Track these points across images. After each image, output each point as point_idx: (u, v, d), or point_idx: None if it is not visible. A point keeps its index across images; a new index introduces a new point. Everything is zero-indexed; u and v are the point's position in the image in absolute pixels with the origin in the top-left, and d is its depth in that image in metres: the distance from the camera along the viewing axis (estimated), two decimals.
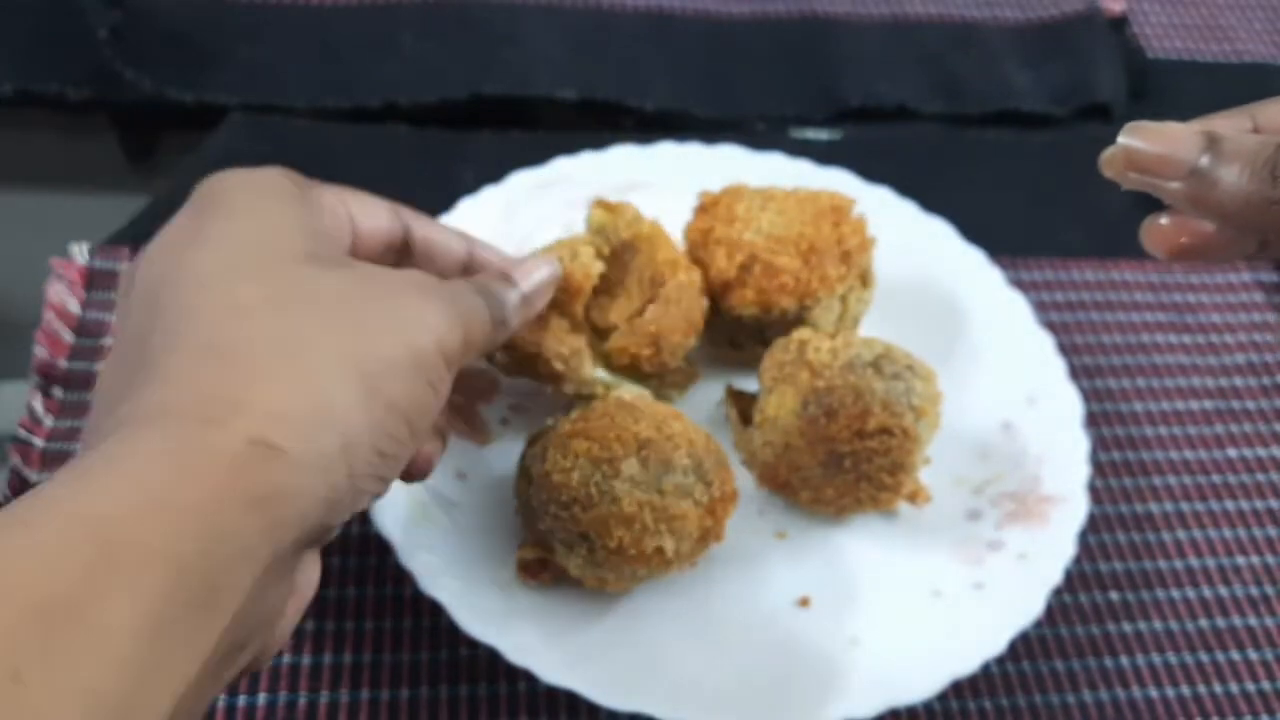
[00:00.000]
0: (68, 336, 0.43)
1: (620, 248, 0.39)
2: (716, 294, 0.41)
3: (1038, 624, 0.37)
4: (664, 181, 0.47)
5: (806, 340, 0.38)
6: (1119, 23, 0.66)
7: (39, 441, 0.40)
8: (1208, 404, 0.48)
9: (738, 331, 0.42)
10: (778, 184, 0.43)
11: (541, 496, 0.34)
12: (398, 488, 0.37)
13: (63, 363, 0.43)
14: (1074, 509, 0.38)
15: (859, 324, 0.44)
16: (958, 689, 0.37)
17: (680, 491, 0.34)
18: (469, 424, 0.41)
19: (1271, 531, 0.44)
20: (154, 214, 0.48)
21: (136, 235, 0.47)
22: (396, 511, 0.37)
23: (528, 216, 0.47)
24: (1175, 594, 0.42)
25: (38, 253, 0.45)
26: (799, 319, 0.41)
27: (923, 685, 0.34)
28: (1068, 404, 0.41)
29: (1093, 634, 0.40)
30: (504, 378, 0.41)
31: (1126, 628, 0.40)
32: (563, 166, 0.48)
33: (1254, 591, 0.42)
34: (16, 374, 0.43)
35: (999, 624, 0.36)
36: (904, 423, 0.36)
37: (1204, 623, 0.41)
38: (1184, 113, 0.60)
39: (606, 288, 0.39)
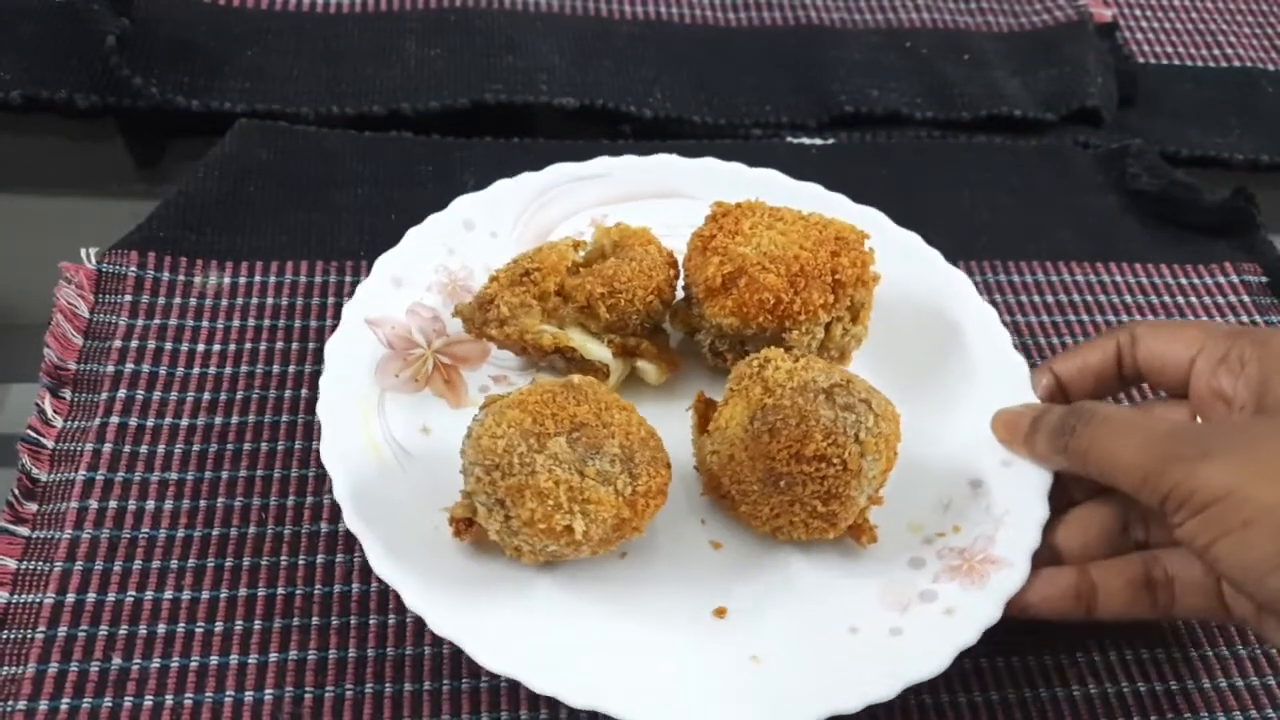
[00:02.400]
0: (76, 339, 0.44)
1: (610, 246, 0.43)
2: (701, 299, 0.42)
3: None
4: (699, 193, 0.48)
5: (771, 358, 0.38)
6: (1108, 29, 0.67)
7: (48, 442, 0.41)
8: None
9: (718, 340, 0.43)
10: (807, 209, 0.44)
11: (470, 457, 0.35)
12: (358, 426, 0.39)
13: (71, 365, 0.43)
14: (1014, 576, 0.37)
15: (846, 357, 0.44)
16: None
17: (602, 478, 0.34)
18: (449, 385, 0.43)
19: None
20: (161, 219, 0.49)
21: (144, 240, 0.47)
22: (350, 446, 0.38)
23: (562, 206, 0.48)
24: None
25: (47, 257, 0.46)
26: (778, 338, 0.41)
27: (803, 713, 0.34)
28: (1041, 474, 0.40)
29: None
30: (495, 348, 0.44)
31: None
32: (605, 163, 0.49)
33: None
34: (26, 375, 0.44)
35: (897, 671, 0.35)
36: (844, 454, 0.36)
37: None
38: (1173, 117, 0.60)
39: (588, 271, 0.42)
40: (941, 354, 0.45)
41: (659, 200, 0.49)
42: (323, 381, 0.40)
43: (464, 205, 0.47)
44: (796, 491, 0.36)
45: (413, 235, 0.45)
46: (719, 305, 0.41)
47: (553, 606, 0.36)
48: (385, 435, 0.40)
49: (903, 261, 0.46)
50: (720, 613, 0.37)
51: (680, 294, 0.44)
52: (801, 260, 0.41)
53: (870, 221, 0.47)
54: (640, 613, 0.37)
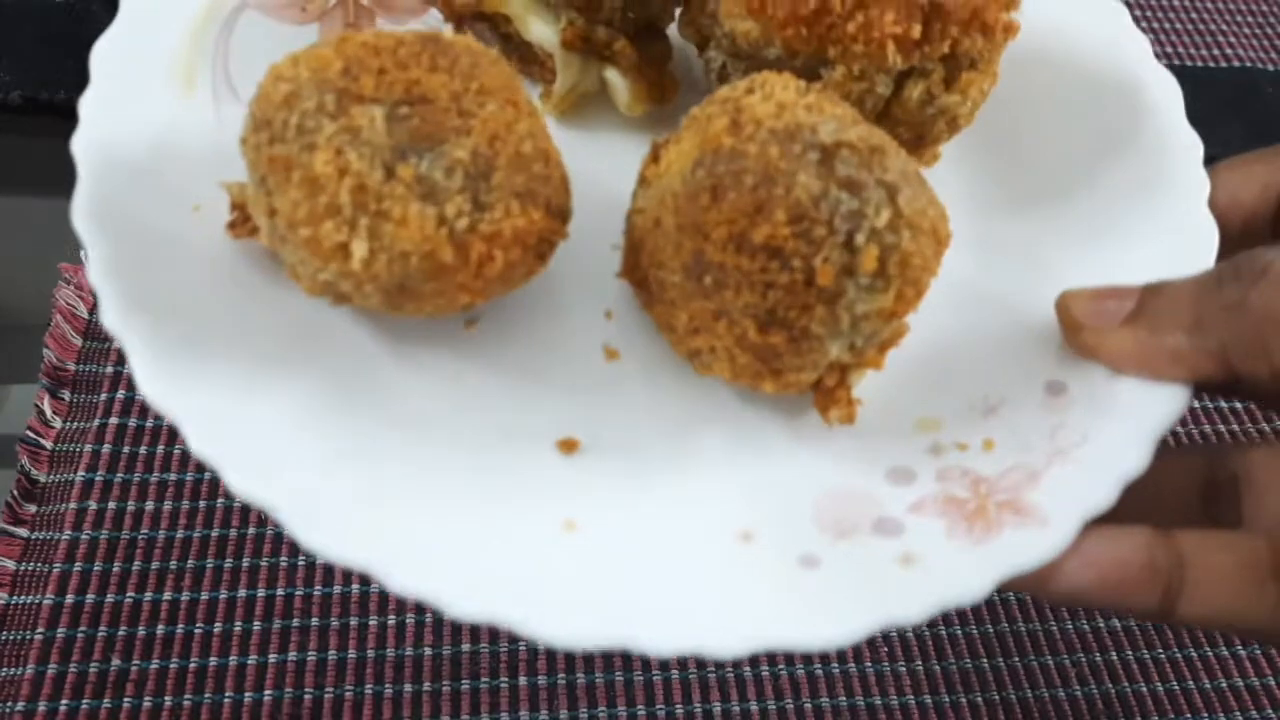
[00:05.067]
0: (76, 340, 0.44)
1: None
2: None
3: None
4: None
5: (766, 83, 0.25)
6: None
7: (47, 443, 0.41)
8: (1195, 403, 0.49)
9: (731, 61, 0.29)
10: None
11: (251, 105, 0.24)
12: (181, 21, 0.28)
13: (71, 365, 0.43)
14: (1041, 543, 0.23)
15: (925, 144, 0.29)
16: None
17: (424, 187, 0.22)
18: (351, 30, 0.29)
19: None
20: None
21: None
22: (147, 64, 0.28)
23: None
24: None
25: (46, 258, 0.46)
26: (811, 72, 0.27)
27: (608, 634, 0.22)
28: (1167, 399, 0.25)
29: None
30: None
31: (1102, 624, 0.41)
32: None
33: None
34: (26, 376, 0.44)
35: (765, 617, 0.22)
36: (815, 257, 0.22)
37: None
38: None
39: None
40: (1083, 164, 0.30)
41: None
42: None
43: None
44: (726, 298, 0.23)
45: None
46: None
47: (321, 393, 0.24)
48: (215, 59, 0.29)
49: (1093, 33, 0.32)
50: (569, 446, 0.25)
51: None
52: None
53: None
54: (452, 432, 0.25)
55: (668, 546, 0.24)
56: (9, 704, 0.34)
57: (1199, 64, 0.67)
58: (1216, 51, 0.68)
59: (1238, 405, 0.48)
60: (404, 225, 0.22)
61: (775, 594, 0.23)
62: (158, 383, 0.22)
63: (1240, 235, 0.29)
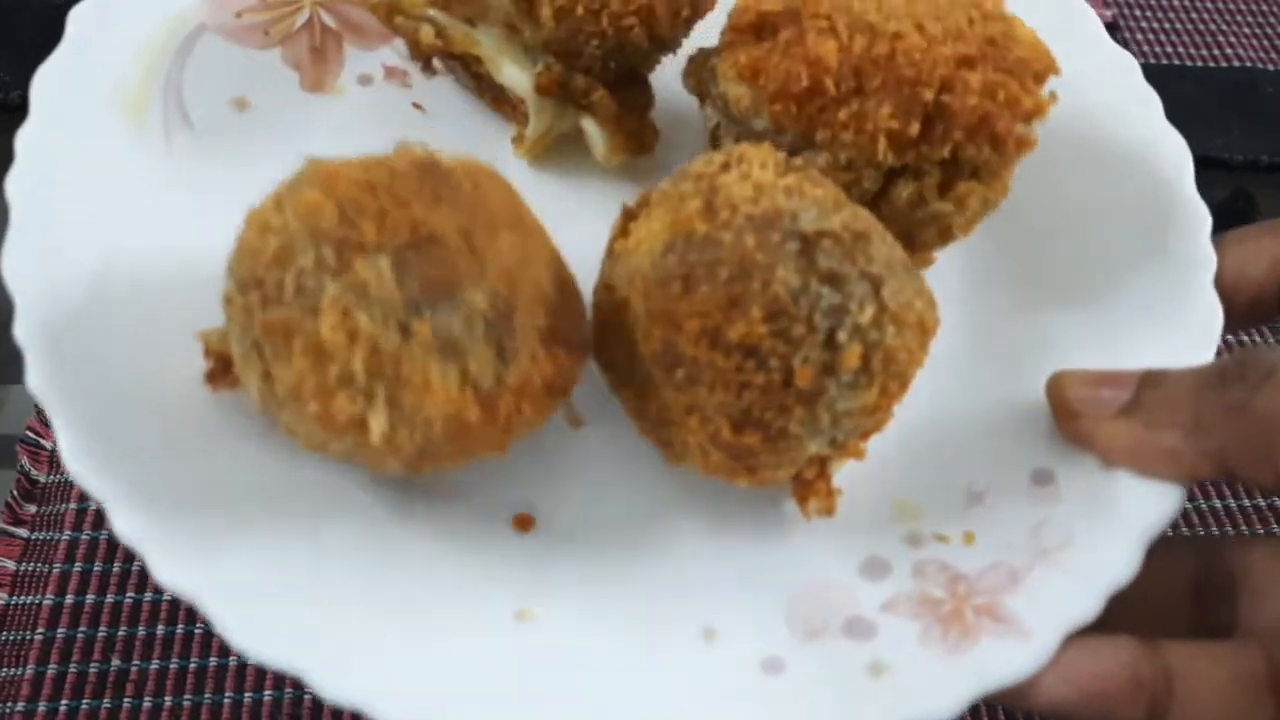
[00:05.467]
0: None
1: None
2: (722, 46, 0.26)
3: None
4: None
5: (745, 158, 0.23)
6: (1109, 29, 0.67)
7: (47, 443, 0.41)
8: None
9: (724, 122, 0.27)
10: None
11: (230, 257, 0.21)
12: (131, 48, 0.25)
13: None
14: (1020, 655, 0.21)
15: (917, 248, 0.26)
16: None
17: (442, 343, 0.20)
18: (316, 55, 0.27)
19: (1274, 529, 0.44)
20: None
21: None
22: (98, 77, 0.25)
23: None
24: None
25: None
26: (795, 152, 0.25)
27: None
28: (1161, 496, 0.23)
29: None
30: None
31: None
32: None
33: None
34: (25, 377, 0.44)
35: None
36: (793, 356, 0.21)
37: None
38: (1172, 117, 0.60)
39: None
40: (1079, 239, 0.28)
41: None
42: None
43: None
44: (698, 394, 0.21)
45: None
46: (731, 60, 0.25)
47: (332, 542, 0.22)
48: (168, 87, 0.26)
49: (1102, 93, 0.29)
50: (523, 523, 0.24)
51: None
52: (898, 44, 0.23)
53: (1079, 46, 0.28)
54: (400, 504, 0.23)
55: (625, 642, 0.22)
56: (9, 704, 0.34)
57: (1199, 64, 0.67)
58: (1216, 51, 0.68)
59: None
60: (426, 390, 0.20)
61: (737, 704, 0.21)
62: (160, 549, 0.21)
63: (1247, 311, 0.27)
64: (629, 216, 0.24)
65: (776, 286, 0.20)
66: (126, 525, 0.21)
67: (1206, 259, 0.27)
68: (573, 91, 0.26)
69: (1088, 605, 0.22)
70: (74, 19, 0.26)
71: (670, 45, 0.27)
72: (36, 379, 0.21)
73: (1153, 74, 0.67)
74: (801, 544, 0.24)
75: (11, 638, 0.36)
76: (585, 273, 0.25)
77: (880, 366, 0.21)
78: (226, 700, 0.35)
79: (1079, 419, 0.24)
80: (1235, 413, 0.21)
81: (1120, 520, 0.23)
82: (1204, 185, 0.58)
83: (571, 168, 0.28)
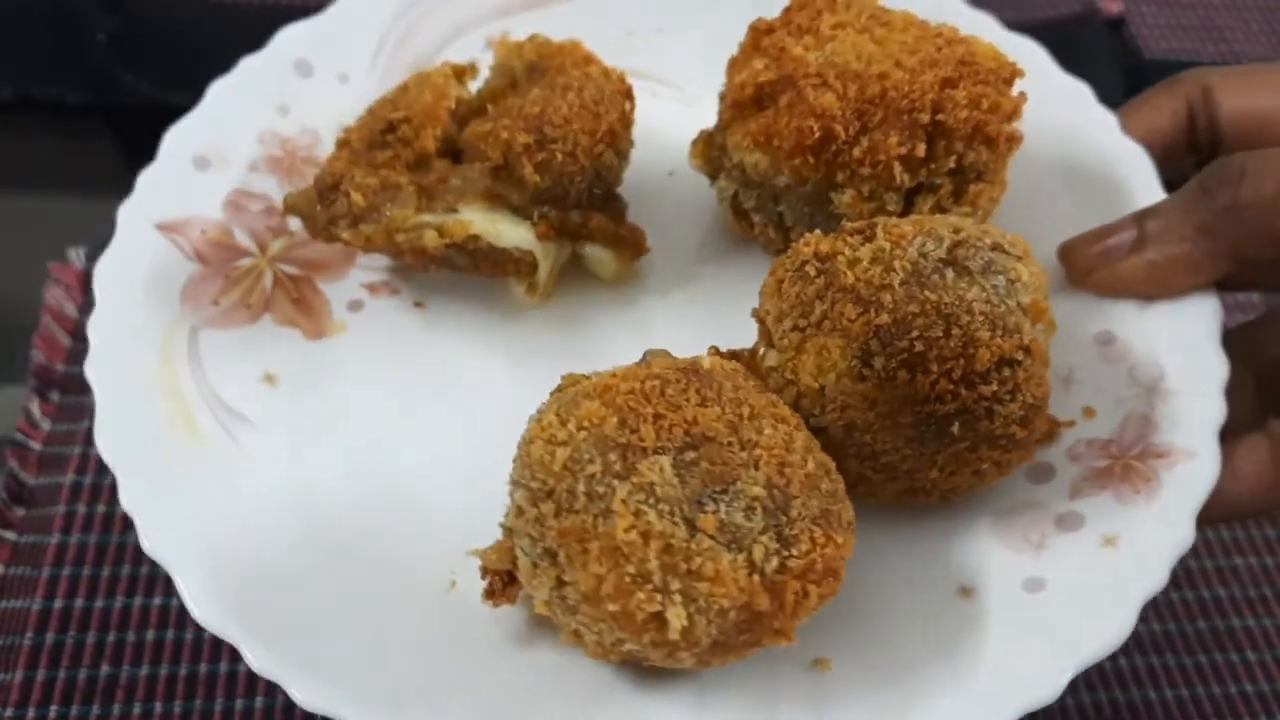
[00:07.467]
0: (65, 340, 0.43)
1: (524, 71, 0.29)
2: (726, 121, 0.29)
3: None
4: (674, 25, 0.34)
5: (830, 250, 0.24)
6: (1116, 23, 0.67)
7: (35, 445, 0.40)
8: None
9: (742, 191, 0.30)
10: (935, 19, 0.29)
11: (515, 472, 0.23)
12: (150, 388, 0.27)
13: (60, 367, 0.43)
14: (1200, 469, 0.24)
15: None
16: None
17: (727, 534, 0.21)
18: (300, 306, 0.29)
19: (1270, 532, 0.44)
20: None
21: None
22: (138, 425, 0.26)
23: (441, 23, 0.33)
24: (1174, 596, 0.42)
25: (36, 257, 0.45)
26: (821, 195, 0.27)
27: None
28: (1202, 304, 0.26)
29: None
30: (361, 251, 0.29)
31: None
32: None
33: (1251, 593, 0.42)
34: (14, 378, 0.43)
35: (1049, 650, 0.24)
36: (1024, 339, 0.23)
37: (1202, 625, 0.41)
38: None
39: (491, 111, 0.29)
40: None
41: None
42: (91, 326, 0.29)
43: (293, 40, 0.31)
44: (980, 427, 0.23)
45: (219, 91, 0.30)
46: (742, 132, 0.28)
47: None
48: (205, 397, 0.28)
49: (1062, 120, 0.32)
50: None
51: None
52: (887, 82, 0.26)
53: (1028, 56, 0.31)
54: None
55: (911, 613, 0.25)
56: None
57: (1207, 59, 0.67)
58: (1225, 47, 0.68)
59: None
60: (718, 581, 0.20)
61: (1012, 641, 0.25)
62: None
63: (1162, 160, 0.31)
64: (746, 364, 0.25)
65: (975, 302, 0.23)
66: None
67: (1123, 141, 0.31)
68: (570, 227, 0.29)
69: (1213, 405, 0.25)
70: (90, 371, 0.28)
71: (628, 153, 0.30)
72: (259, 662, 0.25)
73: (1160, 69, 0.66)
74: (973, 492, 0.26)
75: (0, 643, 0.36)
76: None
77: (1043, 296, 0.24)
78: (218, 707, 0.35)
79: (1097, 271, 0.27)
80: (1229, 211, 0.25)
81: (1189, 329, 0.27)
82: None
83: (582, 293, 0.30)
